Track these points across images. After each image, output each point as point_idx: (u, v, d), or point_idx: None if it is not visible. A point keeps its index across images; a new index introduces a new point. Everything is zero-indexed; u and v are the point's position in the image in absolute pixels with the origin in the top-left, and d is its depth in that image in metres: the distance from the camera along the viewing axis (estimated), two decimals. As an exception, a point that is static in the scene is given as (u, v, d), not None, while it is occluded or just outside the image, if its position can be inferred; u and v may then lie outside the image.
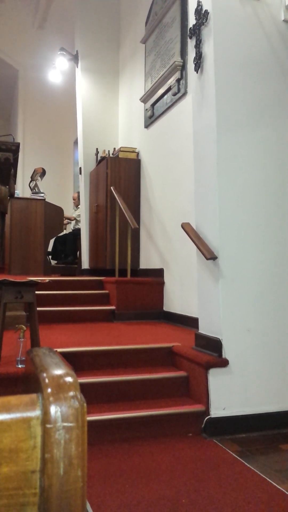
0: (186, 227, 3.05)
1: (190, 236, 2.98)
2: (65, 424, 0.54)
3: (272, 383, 2.78)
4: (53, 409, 0.54)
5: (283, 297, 2.85)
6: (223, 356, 2.71)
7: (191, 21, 3.02)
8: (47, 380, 0.56)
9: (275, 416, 2.74)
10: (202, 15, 2.87)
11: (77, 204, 8.09)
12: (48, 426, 0.54)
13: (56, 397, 0.54)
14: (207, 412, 2.66)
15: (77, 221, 7.84)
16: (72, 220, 7.97)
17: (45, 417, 0.54)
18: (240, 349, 2.73)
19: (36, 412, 0.55)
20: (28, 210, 6.25)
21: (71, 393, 0.55)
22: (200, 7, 2.90)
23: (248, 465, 2.23)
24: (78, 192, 8.21)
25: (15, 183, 3.39)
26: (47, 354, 0.67)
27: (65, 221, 7.74)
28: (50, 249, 7.48)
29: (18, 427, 0.54)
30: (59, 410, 0.54)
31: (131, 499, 1.89)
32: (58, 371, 0.58)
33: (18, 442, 0.54)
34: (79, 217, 7.70)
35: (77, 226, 7.83)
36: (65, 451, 0.54)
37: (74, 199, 8.23)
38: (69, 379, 0.56)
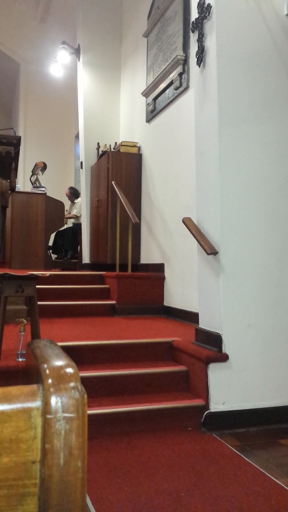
0: (187, 222, 3.05)
1: (191, 231, 2.97)
2: (66, 414, 0.54)
3: (272, 378, 2.79)
4: (54, 400, 0.54)
5: (284, 292, 2.85)
6: (223, 351, 2.71)
7: (194, 15, 3.01)
8: (47, 371, 0.56)
9: (275, 411, 2.74)
10: (204, 9, 2.86)
11: (71, 199, 8.08)
12: (48, 416, 0.54)
13: (57, 387, 0.54)
14: (206, 406, 2.66)
15: (77, 217, 7.84)
16: (73, 217, 7.97)
17: (46, 408, 0.54)
18: (240, 344, 2.74)
19: (37, 403, 0.55)
20: (29, 204, 6.25)
21: (72, 384, 0.55)
22: (202, 0, 2.88)
23: (248, 460, 2.24)
24: (70, 188, 8.20)
25: (16, 177, 3.38)
26: (47, 345, 0.67)
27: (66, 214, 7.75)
28: (51, 243, 7.48)
29: (19, 417, 0.54)
30: (59, 401, 0.54)
31: (130, 493, 1.90)
32: (59, 362, 0.58)
33: (19, 433, 0.54)
34: (79, 213, 7.70)
35: (77, 222, 7.83)
36: (65, 441, 0.54)
37: (67, 195, 8.21)
38: (69, 370, 0.56)
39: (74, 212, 7.92)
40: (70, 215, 7.92)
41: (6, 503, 0.55)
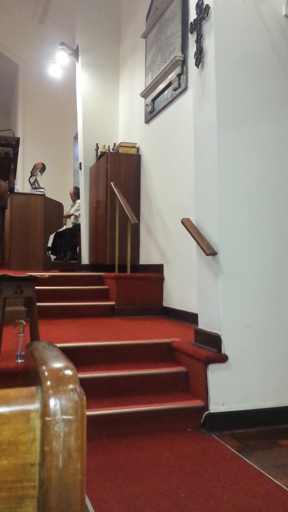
0: (186, 223, 3.05)
1: (190, 232, 2.97)
2: (64, 417, 0.54)
3: (271, 379, 2.78)
4: (53, 402, 0.54)
5: (283, 293, 2.85)
6: (223, 352, 2.71)
7: (192, 15, 3.01)
8: (46, 373, 0.56)
9: (274, 411, 2.74)
10: (203, 10, 2.86)
11: (74, 199, 8.09)
12: (47, 419, 0.54)
13: (56, 390, 0.54)
14: (206, 407, 2.66)
15: (76, 217, 7.83)
16: (71, 215, 7.96)
17: (45, 410, 0.54)
18: (240, 344, 2.74)
19: (36, 405, 0.55)
20: (28, 206, 6.25)
21: (71, 386, 0.55)
22: (201, 1, 2.88)
23: (247, 460, 2.24)
24: (74, 188, 8.21)
25: (15, 178, 3.38)
26: (46, 347, 0.67)
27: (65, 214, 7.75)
28: (50, 244, 7.48)
29: (18, 420, 0.54)
30: (58, 403, 0.54)
31: (130, 494, 1.90)
32: (58, 364, 0.58)
33: (18, 435, 0.54)
34: (77, 212, 7.70)
35: (76, 222, 7.83)
36: (64, 444, 0.54)
37: (70, 195, 8.22)
38: (68, 372, 0.56)
39: (72, 211, 7.92)
40: (68, 212, 7.91)
41: (5, 505, 0.55)
